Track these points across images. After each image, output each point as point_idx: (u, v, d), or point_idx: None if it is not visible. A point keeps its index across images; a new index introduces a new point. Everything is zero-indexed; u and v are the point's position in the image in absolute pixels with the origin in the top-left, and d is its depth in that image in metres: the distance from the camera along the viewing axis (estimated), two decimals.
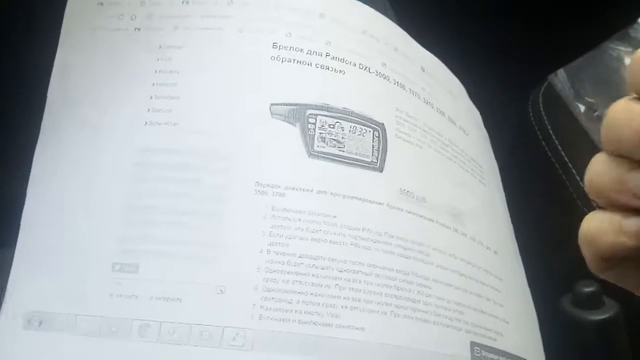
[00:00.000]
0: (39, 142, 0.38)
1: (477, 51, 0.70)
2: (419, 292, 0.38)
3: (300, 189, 0.37)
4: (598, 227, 0.27)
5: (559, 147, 0.68)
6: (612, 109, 0.26)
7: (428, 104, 0.46)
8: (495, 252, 0.45)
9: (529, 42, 0.79)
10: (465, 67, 0.52)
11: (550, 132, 0.69)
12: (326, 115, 0.40)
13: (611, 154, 0.27)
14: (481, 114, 0.54)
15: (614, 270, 0.29)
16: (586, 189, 0.28)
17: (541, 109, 0.72)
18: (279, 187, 0.37)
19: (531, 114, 0.75)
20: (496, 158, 0.54)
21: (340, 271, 0.36)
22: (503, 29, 0.74)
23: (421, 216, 0.41)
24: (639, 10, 0.75)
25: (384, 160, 0.41)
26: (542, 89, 0.72)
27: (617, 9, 0.77)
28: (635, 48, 0.76)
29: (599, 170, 0.27)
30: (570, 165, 0.66)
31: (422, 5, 0.68)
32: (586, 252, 0.28)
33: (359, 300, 0.36)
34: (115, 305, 0.34)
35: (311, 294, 0.35)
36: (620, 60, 0.75)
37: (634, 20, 0.74)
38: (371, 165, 0.40)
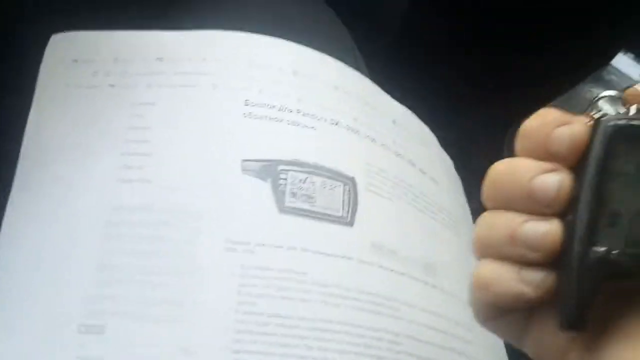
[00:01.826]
0: (10, 199, 0.38)
1: (450, 95, 0.71)
2: (388, 349, 0.38)
3: (271, 245, 0.38)
4: (495, 274, 0.27)
5: None
6: (493, 168, 0.27)
7: (399, 156, 0.46)
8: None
9: (502, 84, 0.80)
10: (437, 112, 0.53)
11: None
12: (297, 171, 0.40)
13: (498, 209, 0.27)
14: (458, 157, 0.55)
15: (500, 320, 0.29)
16: (476, 246, 0.28)
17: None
18: (249, 244, 0.37)
19: (506, 153, 0.76)
20: (474, 199, 0.55)
21: (309, 330, 0.36)
22: (476, 72, 0.76)
23: (392, 270, 0.41)
24: (612, 51, 0.76)
25: (355, 214, 0.41)
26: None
27: (590, 51, 0.78)
28: (608, 90, 0.77)
29: (489, 226, 0.27)
30: None
31: (392, 51, 0.69)
32: (478, 298, 0.28)
33: None
34: None
35: (279, 354, 0.35)
36: (594, 102, 0.76)
37: (607, 62, 0.76)
38: (342, 220, 0.41)
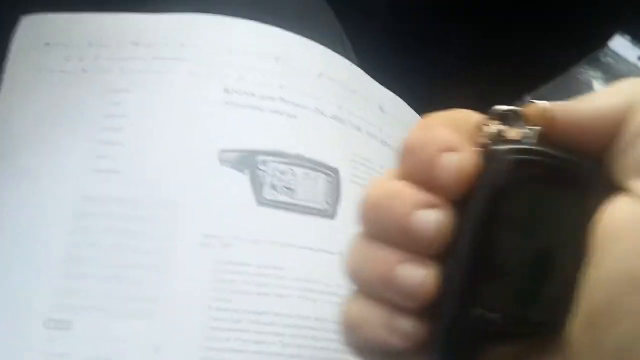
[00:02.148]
0: None
1: (442, 78, 0.69)
2: None
3: (248, 239, 0.37)
4: (364, 317, 0.24)
5: None
6: (371, 191, 0.23)
7: (385, 145, 0.45)
8: None
9: (497, 66, 0.79)
10: (428, 96, 0.52)
11: None
12: (278, 162, 0.39)
13: (373, 239, 0.23)
14: None
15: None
16: (347, 278, 0.24)
17: None
18: (225, 238, 0.36)
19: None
20: None
21: (285, 327, 0.35)
22: (469, 55, 0.74)
23: None
24: (608, 33, 0.75)
25: (337, 207, 0.40)
26: None
27: (586, 33, 0.77)
28: (604, 72, 0.76)
29: (362, 260, 0.23)
30: None
31: (381, 36, 0.68)
32: (349, 339, 0.25)
33: (303, 357, 0.35)
34: None
35: (253, 352, 0.34)
36: (589, 84, 0.75)
37: (604, 44, 0.74)
38: (323, 213, 0.40)
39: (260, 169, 0.38)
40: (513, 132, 0.23)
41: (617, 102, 0.23)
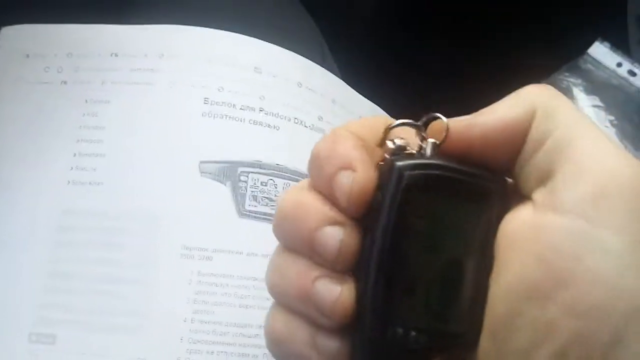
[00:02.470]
0: None
1: (423, 87, 0.70)
2: None
3: (229, 251, 0.37)
4: (288, 331, 0.23)
5: None
6: (282, 202, 0.23)
7: None
8: None
9: (477, 73, 0.80)
10: (409, 105, 0.52)
11: None
12: (258, 173, 0.39)
13: (290, 251, 0.23)
14: None
15: None
16: (269, 290, 0.24)
17: None
18: (207, 250, 0.36)
19: None
20: None
21: None
22: (450, 63, 0.74)
23: None
24: (588, 40, 0.75)
25: None
26: None
27: (566, 39, 0.77)
28: (584, 79, 0.77)
29: (281, 273, 0.23)
30: None
31: (362, 45, 0.68)
32: (272, 350, 0.24)
33: None
34: None
35: None
36: (569, 91, 0.76)
37: (584, 51, 0.75)
38: None
39: (241, 180, 0.38)
40: (414, 147, 0.23)
41: (518, 111, 0.22)
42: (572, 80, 0.77)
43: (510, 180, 0.23)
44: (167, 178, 0.37)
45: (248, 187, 0.38)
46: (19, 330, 0.34)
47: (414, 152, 0.23)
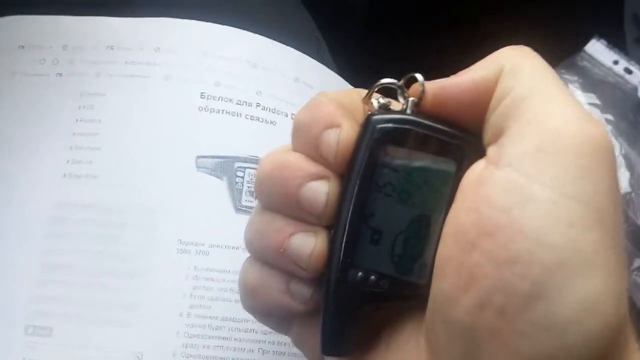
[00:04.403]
0: None
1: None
2: None
3: (225, 246, 0.36)
4: (263, 282, 0.25)
5: None
6: (263, 163, 0.25)
7: None
8: None
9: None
10: None
11: None
12: (255, 168, 0.39)
13: (268, 210, 0.25)
14: None
15: (267, 318, 0.27)
16: (247, 248, 0.26)
17: None
18: (203, 245, 0.36)
19: None
20: None
21: (265, 334, 0.35)
22: (445, 55, 0.74)
23: None
24: (585, 38, 0.76)
25: None
26: None
27: (563, 37, 0.77)
28: (581, 76, 0.77)
29: (259, 232, 0.25)
30: None
31: (358, 39, 0.68)
32: (249, 303, 0.26)
33: None
34: None
35: (233, 359, 0.34)
36: None
37: (580, 49, 0.75)
38: None
39: (238, 176, 0.38)
40: (395, 105, 0.24)
41: (488, 71, 0.23)
42: (568, 77, 0.77)
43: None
44: (163, 172, 0.37)
45: (244, 182, 0.38)
46: (15, 322, 0.33)
47: (392, 110, 0.24)
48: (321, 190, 0.23)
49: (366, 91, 0.25)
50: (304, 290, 0.25)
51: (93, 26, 0.40)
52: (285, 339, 0.35)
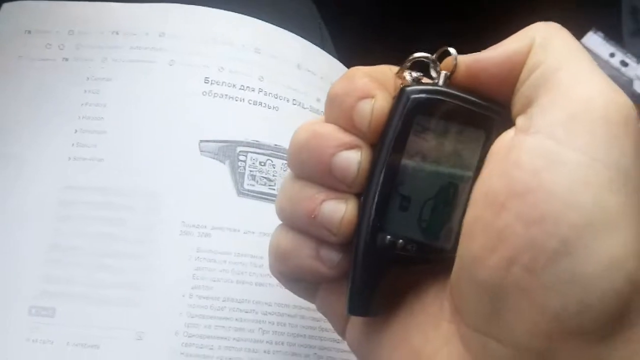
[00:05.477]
0: None
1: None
2: None
3: (227, 229, 0.37)
4: (294, 247, 0.26)
5: None
6: (297, 135, 0.26)
7: None
8: None
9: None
10: None
11: None
12: (257, 153, 0.40)
13: (301, 178, 0.26)
14: None
15: (295, 283, 0.29)
16: (279, 215, 0.27)
17: None
18: (205, 227, 0.37)
19: None
20: None
21: (265, 314, 0.36)
22: (448, 46, 0.75)
23: None
24: (582, 30, 0.76)
25: None
26: None
27: None
28: None
29: (291, 200, 0.26)
30: None
31: (360, 27, 0.68)
32: (279, 268, 0.28)
33: (282, 344, 0.36)
34: (30, 351, 0.33)
35: (234, 338, 0.35)
36: None
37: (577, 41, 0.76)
38: None
39: (240, 160, 0.39)
40: (427, 78, 0.25)
41: (519, 44, 0.24)
42: None
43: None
44: (167, 156, 0.38)
45: (247, 166, 0.39)
46: (19, 303, 0.34)
47: (425, 82, 0.25)
48: (353, 159, 0.24)
49: (397, 67, 0.26)
50: (333, 256, 0.26)
51: (99, 12, 0.40)
52: (285, 319, 0.36)
